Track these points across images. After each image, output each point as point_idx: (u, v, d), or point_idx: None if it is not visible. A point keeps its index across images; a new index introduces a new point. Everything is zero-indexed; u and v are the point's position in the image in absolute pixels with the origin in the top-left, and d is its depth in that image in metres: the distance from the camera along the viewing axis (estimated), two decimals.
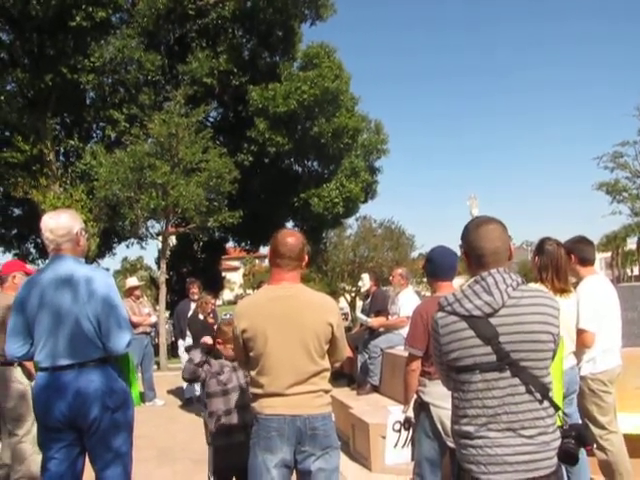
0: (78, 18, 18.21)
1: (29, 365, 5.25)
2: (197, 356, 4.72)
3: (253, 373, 3.50)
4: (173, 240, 23.43)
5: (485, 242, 2.76)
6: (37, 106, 20.12)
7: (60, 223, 3.96)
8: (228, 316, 9.88)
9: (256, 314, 3.49)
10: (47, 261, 3.97)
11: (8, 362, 5.72)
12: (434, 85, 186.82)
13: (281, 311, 3.44)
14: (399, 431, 4.83)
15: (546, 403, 2.65)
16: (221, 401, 4.62)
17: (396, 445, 4.85)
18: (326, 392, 3.51)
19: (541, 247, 4.80)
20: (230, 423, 4.58)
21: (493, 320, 2.64)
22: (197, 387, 10.34)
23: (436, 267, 4.55)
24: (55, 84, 19.56)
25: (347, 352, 3.77)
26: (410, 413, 4.62)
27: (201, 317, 9.75)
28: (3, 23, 19.82)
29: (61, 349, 3.76)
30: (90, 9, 18.31)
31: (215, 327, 9.53)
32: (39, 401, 3.82)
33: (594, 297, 4.98)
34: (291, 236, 3.63)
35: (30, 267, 6.81)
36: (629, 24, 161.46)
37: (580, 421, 4.80)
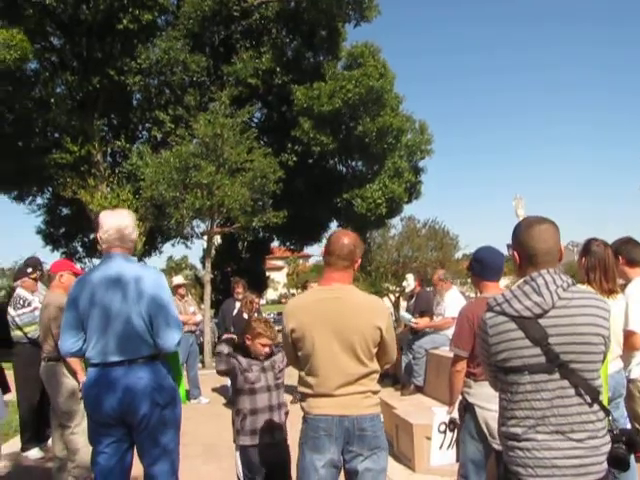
0: (125, 21, 18.53)
1: (73, 362, 5.34)
2: (225, 348, 4.71)
3: (302, 373, 3.52)
4: (218, 239, 23.60)
5: (538, 242, 2.73)
6: (85, 108, 20.49)
7: (117, 222, 4.06)
8: (272, 316, 9.97)
9: (304, 314, 3.50)
10: (100, 259, 4.04)
11: (56, 358, 5.86)
12: (479, 83, 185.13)
13: (328, 313, 3.44)
14: (444, 432, 4.80)
15: (596, 406, 2.61)
16: (247, 400, 4.58)
17: (441, 446, 4.82)
18: (374, 393, 3.51)
19: (588, 248, 4.71)
20: (255, 423, 4.54)
21: (543, 321, 2.61)
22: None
23: (483, 267, 4.50)
24: (103, 86, 19.93)
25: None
26: (455, 414, 4.59)
27: (246, 316, 9.80)
28: (54, 28, 20.24)
29: (112, 346, 3.83)
30: (137, 12, 18.60)
31: None
32: (89, 396, 3.89)
33: None
34: (345, 236, 3.63)
35: (78, 267, 6.93)
36: None
37: (628, 426, 4.71)
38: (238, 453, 4.63)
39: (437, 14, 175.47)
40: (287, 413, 4.74)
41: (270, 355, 4.71)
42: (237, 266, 24.59)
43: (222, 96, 18.37)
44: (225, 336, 8.44)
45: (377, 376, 3.54)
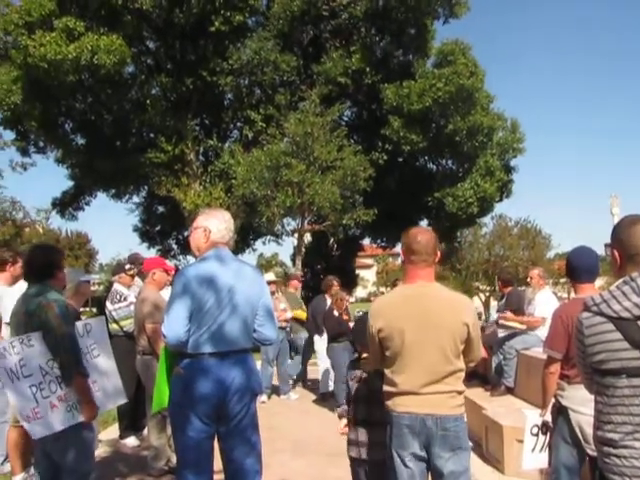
0: (217, 23, 18.97)
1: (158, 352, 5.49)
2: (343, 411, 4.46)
3: (388, 372, 3.52)
4: (308, 237, 23.78)
5: None
6: (179, 108, 21.05)
7: (229, 221, 4.22)
8: (360, 313, 9.97)
9: (392, 313, 3.50)
10: (209, 252, 4.10)
11: (151, 352, 6.07)
12: (573, 80, 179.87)
13: (417, 310, 3.44)
14: (536, 435, 4.70)
15: None
16: (352, 409, 4.32)
17: (533, 449, 4.72)
18: (459, 393, 3.48)
19: None
20: (360, 436, 4.22)
21: None
22: (331, 383, 10.48)
23: (577, 269, 4.39)
24: (196, 87, 20.47)
25: (482, 353, 3.70)
26: (548, 417, 4.49)
27: (336, 314, 9.85)
28: (150, 33, 20.94)
29: (216, 337, 3.89)
30: (228, 14, 19.02)
31: (350, 325, 9.59)
32: (182, 385, 3.93)
33: None
34: (423, 233, 3.65)
35: (169, 264, 7.12)
36: None
37: None
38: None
39: (526, 9, 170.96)
40: None
41: None
42: (327, 264, 24.72)
43: (312, 95, 18.50)
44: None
45: (462, 375, 3.51)
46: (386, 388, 3.54)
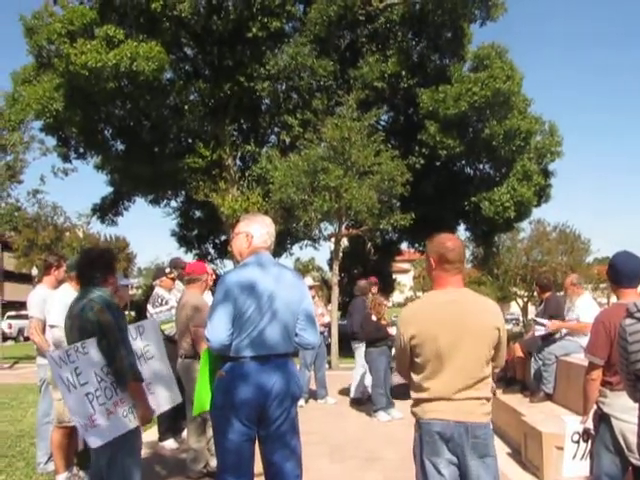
0: (254, 29, 19.15)
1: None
2: None
3: (417, 378, 3.48)
4: (345, 241, 23.81)
5: None
6: (217, 114, 21.27)
7: (270, 227, 4.26)
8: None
9: (425, 319, 3.48)
10: (250, 258, 4.14)
11: (192, 355, 6.14)
12: (614, 82, 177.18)
13: (450, 315, 3.42)
14: (577, 442, 4.65)
15: None
16: None
17: (574, 457, 4.66)
18: (488, 400, 3.46)
19: None
20: None
21: None
22: (368, 388, 10.48)
23: (619, 273, 4.34)
24: (233, 92, 20.66)
25: (520, 356, 3.70)
26: (589, 424, 4.45)
27: (374, 318, 9.85)
28: (188, 39, 21.19)
29: (254, 342, 3.92)
30: (265, 20, 19.21)
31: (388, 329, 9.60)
32: (224, 388, 3.97)
33: None
34: (453, 240, 3.61)
35: (209, 268, 7.19)
36: None
37: None
38: None
39: (566, 10, 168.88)
40: None
41: None
42: (364, 268, 24.67)
43: (349, 100, 18.49)
44: None
45: (490, 381, 3.49)
46: (414, 395, 3.50)
